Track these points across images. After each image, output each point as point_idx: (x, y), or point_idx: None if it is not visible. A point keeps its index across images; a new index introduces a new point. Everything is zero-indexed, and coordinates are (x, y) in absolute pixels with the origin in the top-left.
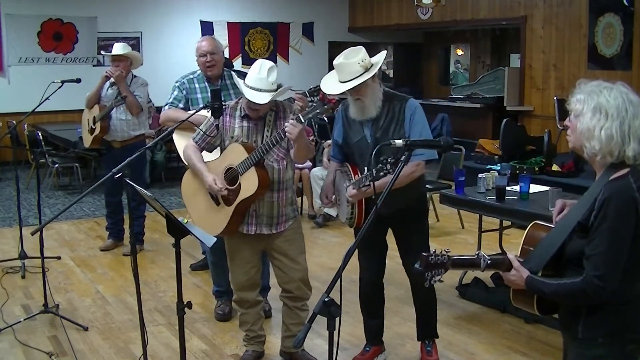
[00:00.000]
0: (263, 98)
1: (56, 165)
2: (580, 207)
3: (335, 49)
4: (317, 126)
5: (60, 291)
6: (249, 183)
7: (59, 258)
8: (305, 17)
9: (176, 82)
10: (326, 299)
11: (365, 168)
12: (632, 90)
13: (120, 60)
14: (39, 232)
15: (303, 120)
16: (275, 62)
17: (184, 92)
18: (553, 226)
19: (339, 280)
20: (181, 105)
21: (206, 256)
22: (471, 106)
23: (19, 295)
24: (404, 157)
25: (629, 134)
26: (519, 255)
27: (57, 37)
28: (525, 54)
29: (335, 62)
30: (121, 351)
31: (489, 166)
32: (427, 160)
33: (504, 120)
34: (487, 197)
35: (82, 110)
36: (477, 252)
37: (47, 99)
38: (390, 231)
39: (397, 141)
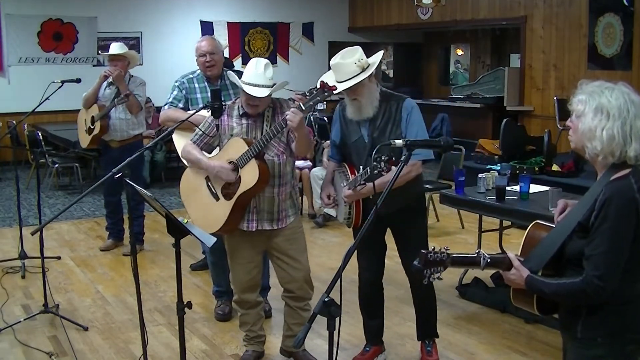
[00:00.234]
0: (262, 92)
1: (56, 165)
2: (581, 208)
3: (335, 49)
4: (317, 126)
5: (60, 291)
6: (250, 176)
7: (59, 258)
8: (305, 17)
9: (176, 81)
10: (326, 299)
11: (361, 167)
12: (634, 90)
13: (118, 60)
14: (39, 232)
15: (304, 108)
16: (275, 62)
17: (184, 91)
18: (554, 226)
19: (339, 280)
20: (181, 105)
21: (206, 256)
22: (471, 106)
23: (19, 295)
24: (404, 157)
25: (630, 134)
26: (519, 254)
27: (57, 37)
28: (525, 54)
29: (332, 62)
30: (121, 351)
31: (489, 166)
32: (424, 160)
33: (504, 120)
34: (487, 197)
35: None
36: (477, 251)
37: (47, 99)
38: (389, 231)
39: (397, 141)
